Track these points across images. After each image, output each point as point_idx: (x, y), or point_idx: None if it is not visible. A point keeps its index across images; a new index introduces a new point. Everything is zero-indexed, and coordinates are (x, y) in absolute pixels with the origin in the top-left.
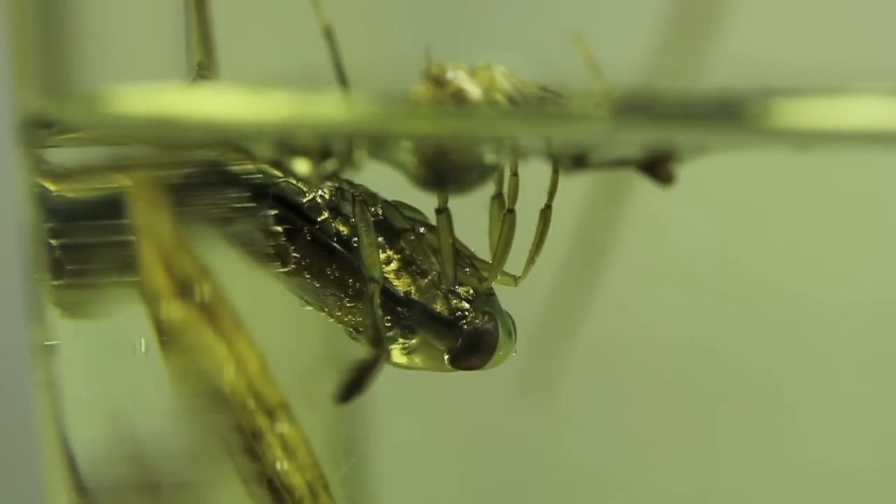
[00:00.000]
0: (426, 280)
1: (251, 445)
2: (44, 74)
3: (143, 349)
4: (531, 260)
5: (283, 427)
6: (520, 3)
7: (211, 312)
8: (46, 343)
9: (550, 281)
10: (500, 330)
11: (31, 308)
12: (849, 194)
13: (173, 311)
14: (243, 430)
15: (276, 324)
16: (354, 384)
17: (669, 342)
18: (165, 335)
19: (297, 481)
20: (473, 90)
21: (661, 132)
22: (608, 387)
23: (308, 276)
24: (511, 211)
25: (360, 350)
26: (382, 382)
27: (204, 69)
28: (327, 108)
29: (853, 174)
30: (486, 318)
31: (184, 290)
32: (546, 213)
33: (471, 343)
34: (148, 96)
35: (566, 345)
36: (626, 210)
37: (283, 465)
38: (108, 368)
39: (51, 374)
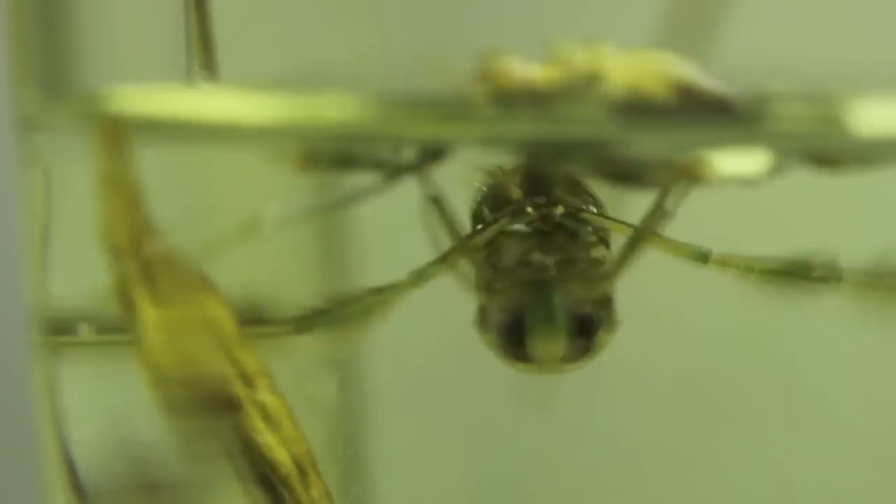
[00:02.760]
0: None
1: (234, 420)
2: (43, 74)
3: None
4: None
5: (265, 396)
6: (519, 3)
7: (167, 270)
8: (46, 343)
9: None
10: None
11: (31, 307)
12: (849, 193)
13: (131, 265)
14: (223, 402)
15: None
16: None
17: (670, 341)
18: (124, 293)
19: (281, 455)
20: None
21: (660, 132)
22: (609, 387)
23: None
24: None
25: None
26: (382, 382)
27: (204, 69)
28: (328, 108)
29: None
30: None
31: (140, 244)
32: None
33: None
34: (148, 96)
35: None
36: (626, 209)
37: (265, 437)
38: (107, 368)
39: (51, 374)
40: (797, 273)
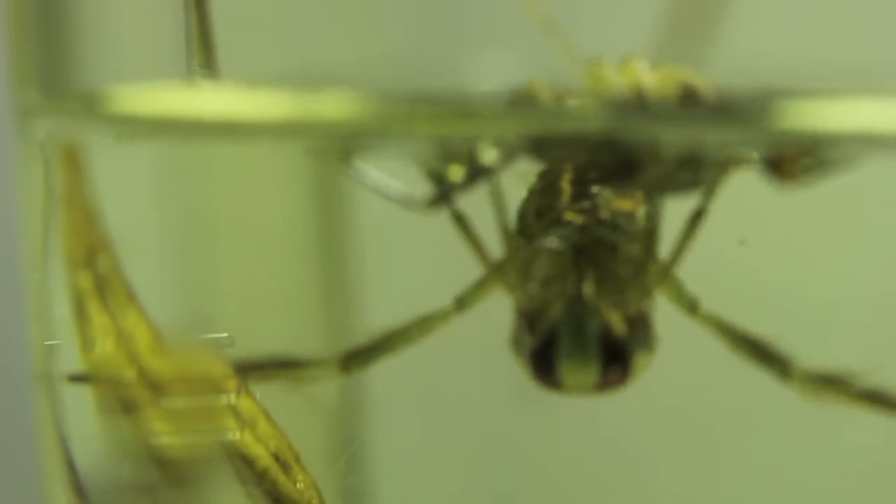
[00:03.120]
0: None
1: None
2: (43, 73)
3: None
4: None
5: (235, 399)
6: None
7: (106, 285)
8: (46, 343)
9: None
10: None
11: (31, 308)
12: (850, 193)
13: (85, 278)
14: (127, 404)
15: (278, 321)
16: None
17: (671, 342)
18: (78, 301)
19: (258, 451)
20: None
21: (660, 132)
22: None
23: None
24: None
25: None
26: (381, 383)
27: (204, 69)
28: (328, 107)
29: (856, 173)
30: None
31: (94, 259)
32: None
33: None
34: (148, 96)
35: None
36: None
37: (240, 435)
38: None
39: (51, 375)
40: (758, 358)
